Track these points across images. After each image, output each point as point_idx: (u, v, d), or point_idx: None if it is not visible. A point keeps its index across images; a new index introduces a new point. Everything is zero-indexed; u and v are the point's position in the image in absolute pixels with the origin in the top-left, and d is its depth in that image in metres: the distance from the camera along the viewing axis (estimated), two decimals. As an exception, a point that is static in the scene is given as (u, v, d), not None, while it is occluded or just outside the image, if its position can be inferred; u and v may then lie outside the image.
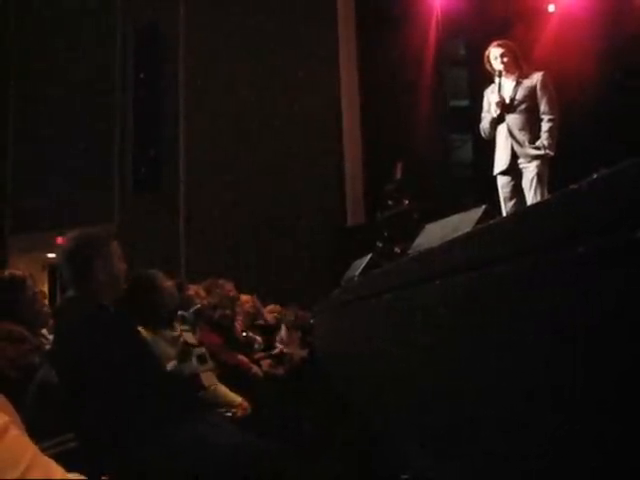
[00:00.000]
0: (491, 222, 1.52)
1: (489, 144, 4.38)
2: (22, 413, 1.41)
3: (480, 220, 2.05)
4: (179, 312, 3.55)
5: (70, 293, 2.16)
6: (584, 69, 7.97)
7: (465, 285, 1.49)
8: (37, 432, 1.37)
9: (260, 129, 10.44)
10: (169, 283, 3.25)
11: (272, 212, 10.16)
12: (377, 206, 8.08)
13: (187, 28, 11.05)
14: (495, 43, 4.27)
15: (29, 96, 11.88)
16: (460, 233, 1.73)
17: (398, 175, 7.64)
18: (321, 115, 10.43)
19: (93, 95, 11.57)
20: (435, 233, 2.43)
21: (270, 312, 6.16)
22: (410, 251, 2.59)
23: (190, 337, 3.36)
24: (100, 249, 2.19)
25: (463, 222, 2.16)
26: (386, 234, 7.17)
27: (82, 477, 1.08)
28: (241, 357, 4.12)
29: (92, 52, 11.70)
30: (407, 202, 7.10)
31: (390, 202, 7.42)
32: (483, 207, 2.20)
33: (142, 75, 11.28)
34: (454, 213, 2.43)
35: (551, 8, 9.37)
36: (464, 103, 10.63)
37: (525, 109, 4.08)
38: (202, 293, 4.29)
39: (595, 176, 0.90)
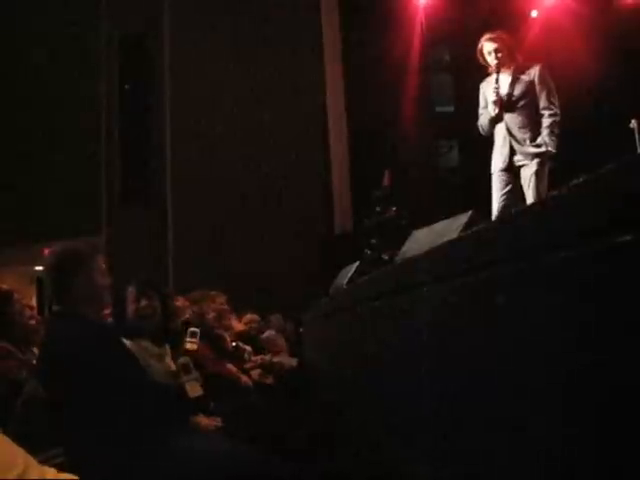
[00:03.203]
0: (477, 228, 1.53)
1: (476, 149, 4.33)
2: (8, 428, 1.40)
3: (467, 226, 2.05)
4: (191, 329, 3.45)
5: (56, 308, 2.13)
6: (567, 73, 8.03)
7: (452, 291, 1.50)
8: (24, 447, 1.36)
9: (247, 138, 10.42)
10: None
11: (260, 221, 10.13)
12: (365, 213, 8.09)
13: (172, 36, 11.01)
14: (487, 37, 4.04)
15: (14, 107, 11.80)
16: (447, 239, 1.74)
17: (386, 182, 7.66)
18: (307, 123, 10.43)
19: (79, 107, 11.53)
20: (422, 239, 2.43)
21: (249, 322, 6.08)
22: (397, 258, 2.60)
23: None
24: (82, 264, 2.13)
25: (450, 228, 2.16)
26: (374, 241, 7.18)
27: (74, 477, 1.07)
28: (230, 367, 4.10)
29: (77, 63, 11.65)
30: (395, 209, 7.11)
31: (378, 209, 7.43)
32: (470, 213, 2.21)
33: (128, 86, 11.25)
34: (442, 219, 2.43)
35: (534, 13, 9.46)
36: (450, 109, 10.70)
37: (524, 106, 3.91)
38: (190, 304, 4.26)
39: (574, 183, 0.91)
